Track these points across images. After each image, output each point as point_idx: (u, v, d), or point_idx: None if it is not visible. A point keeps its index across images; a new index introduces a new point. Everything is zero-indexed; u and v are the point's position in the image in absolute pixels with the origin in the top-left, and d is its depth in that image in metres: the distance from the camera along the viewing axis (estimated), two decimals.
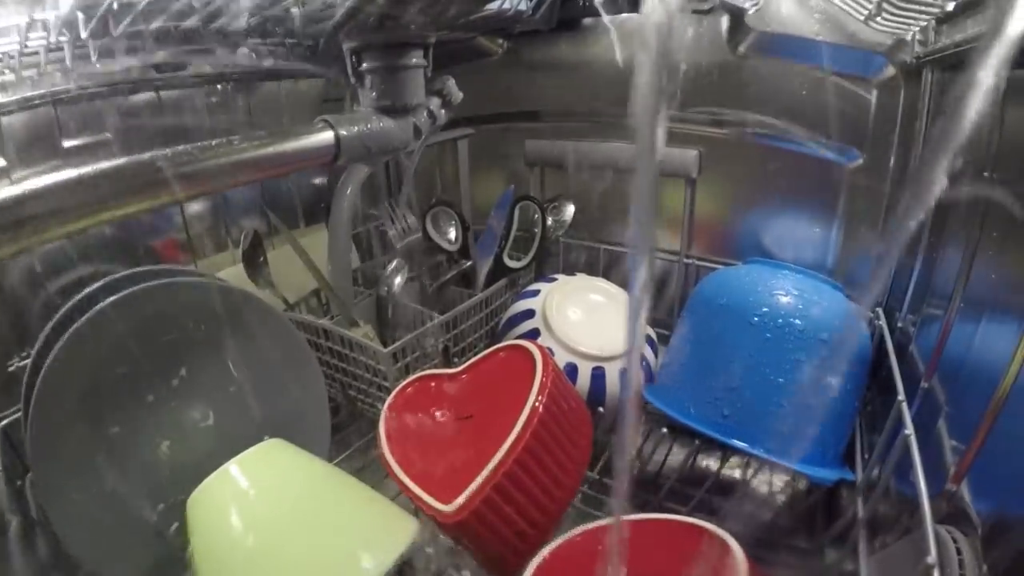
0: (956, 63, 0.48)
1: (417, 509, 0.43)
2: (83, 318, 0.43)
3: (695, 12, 0.68)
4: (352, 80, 0.49)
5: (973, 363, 0.40)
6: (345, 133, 0.44)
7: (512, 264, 0.74)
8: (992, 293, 0.39)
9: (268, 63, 0.59)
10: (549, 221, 0.78)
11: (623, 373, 0.61)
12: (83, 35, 0.48)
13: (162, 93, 0.62)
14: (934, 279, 0.50)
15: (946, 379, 0.43)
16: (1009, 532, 0.30)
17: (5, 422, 0.49)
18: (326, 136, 0.44)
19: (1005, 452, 0.33)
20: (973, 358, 0.40)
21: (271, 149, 0.40)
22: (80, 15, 0.47)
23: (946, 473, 0.36)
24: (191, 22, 0.49)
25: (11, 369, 0.53)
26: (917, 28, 0.53)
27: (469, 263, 0.75)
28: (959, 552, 0.32)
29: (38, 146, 0.54)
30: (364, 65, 0.48)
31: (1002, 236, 0.39)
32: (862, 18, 0.56)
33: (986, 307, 0.40)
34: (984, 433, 0.35)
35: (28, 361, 0.45)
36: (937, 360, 0.44)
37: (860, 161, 0.62)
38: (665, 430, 0.53)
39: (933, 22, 0.51)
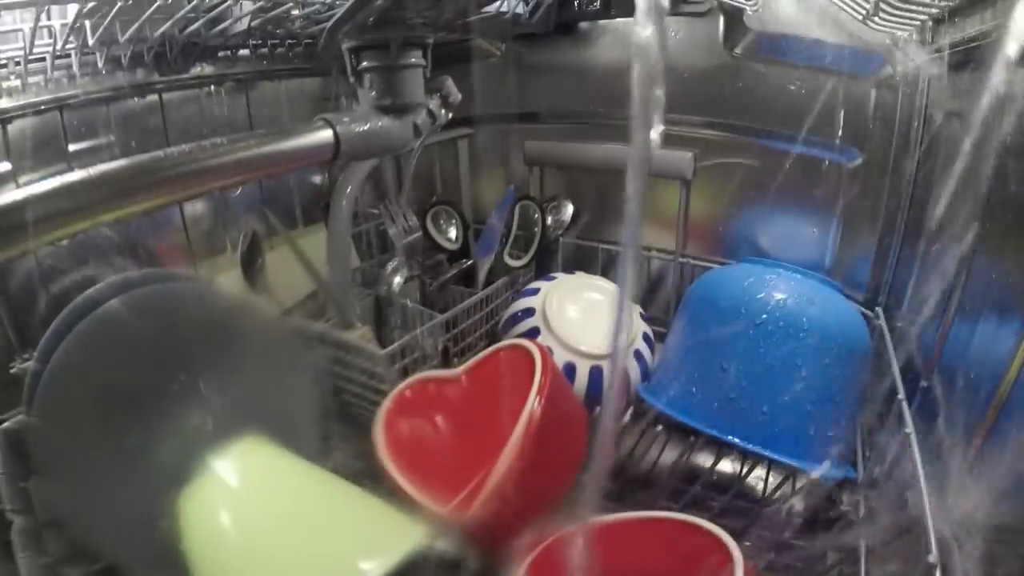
0: (955, 63, 0.48)
1: (413, 512, 0.42)
2: (84, 321, 0.43)
3: (691, 15, 0.68)
4: (351, 79, 0.49)
5: (973, 361, 0.40)
6: (344, 132, 0.44)
7: (512, 263, 0.74)
8: (992, 291, 0.39)
9: (268, 64, 0.58)
10: (548, 220, 0.79)
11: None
12: (91, 42, 0.48)
13: (164, 95, 0.62)
14: (934, 277, 0.50)
15: (946, 377, 0.43)
16: (1012, 531, 0.30)
17: (6, 424, 0.49)
18: (325, 135, 0.44)
19: (1008, 449, 0.33)
20: (973, 356, 0.40)
21: (270, 148, 0.40)
22: (87, 23, 0.46)
23: (947, 470, 0.36)
24: (195, 26, 0.49)
25: (13, 371, 0.53)
26: (915, 27, 0.53)
27: (469, 262, 0.75)
28: (961, 551, 0.31)
29: (44, 151, 0.54)
30: (363, 64, 0.48)
31: (1002, 234, 0.39)
32: (860, 17, 0.56)
33: (986, 305, 0.40)
34: (987, 430, 0.35)
35: (30, 363, 0.45)
36: (937, 359, 0.44)
37: (859, 161, 0.62)
38: (660, 428, 0.53)
39: (931, 22, 0.51)
